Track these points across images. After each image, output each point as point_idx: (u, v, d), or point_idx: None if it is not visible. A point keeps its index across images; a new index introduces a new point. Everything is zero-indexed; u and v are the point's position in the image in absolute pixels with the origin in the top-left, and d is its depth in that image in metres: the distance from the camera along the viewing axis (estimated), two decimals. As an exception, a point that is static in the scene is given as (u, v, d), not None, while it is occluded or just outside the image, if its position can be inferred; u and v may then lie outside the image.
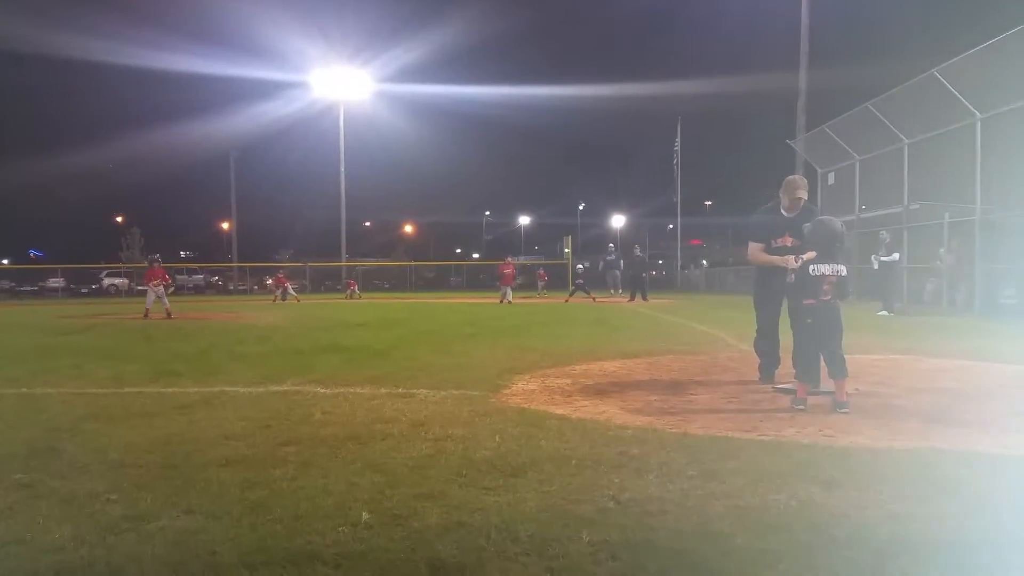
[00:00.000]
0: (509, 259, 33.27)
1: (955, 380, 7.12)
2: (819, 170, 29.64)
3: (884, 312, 17.01)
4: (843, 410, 5.48)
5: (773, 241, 6.60)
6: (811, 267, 5.75)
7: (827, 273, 5.69)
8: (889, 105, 22.38)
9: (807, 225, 6.08)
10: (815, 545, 2.83)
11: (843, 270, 5.73)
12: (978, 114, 18.39)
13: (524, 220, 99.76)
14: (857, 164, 26.06)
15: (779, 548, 2.79)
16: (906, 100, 21.47)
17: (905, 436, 4.72)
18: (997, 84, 17.42)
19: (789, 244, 6.49)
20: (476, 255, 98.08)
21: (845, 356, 5.71)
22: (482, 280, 60.01)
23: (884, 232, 18.89)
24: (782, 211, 6.64)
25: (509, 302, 25.75)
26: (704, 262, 69.64)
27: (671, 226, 75.37)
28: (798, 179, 6.70)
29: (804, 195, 6.56)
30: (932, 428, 4.97)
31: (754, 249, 6.73)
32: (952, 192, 19.66)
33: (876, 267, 18.16)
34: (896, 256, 18.93)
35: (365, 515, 3.17)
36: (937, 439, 4.61)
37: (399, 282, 61.34)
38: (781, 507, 3.27)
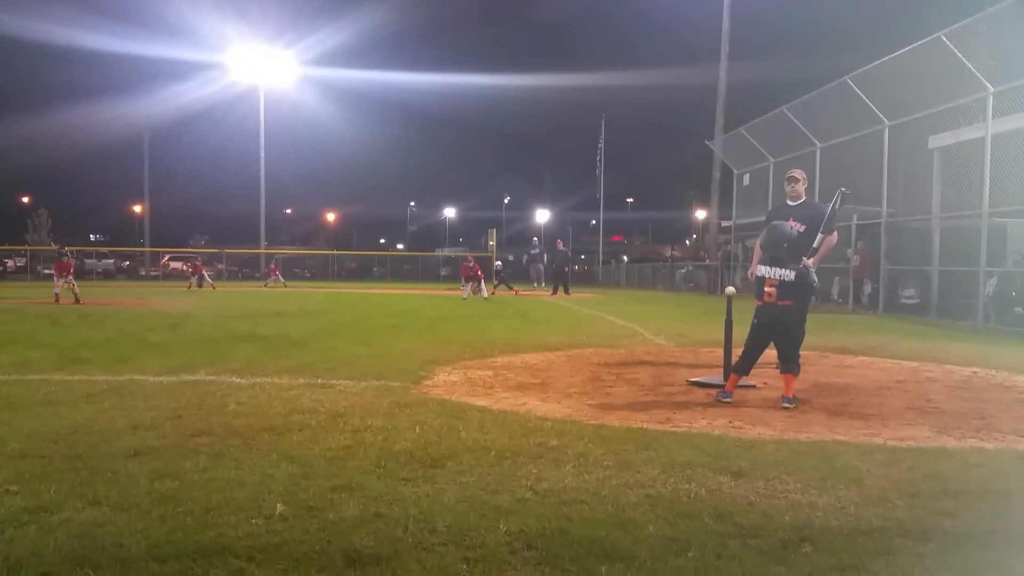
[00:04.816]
0: (471, 258, 26.99)
1: (857, 376, 7.46)
2: (735, 171, 30.40)
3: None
4: (787, 405, 5.56)
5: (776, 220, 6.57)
6: (757, 267, 5.91)
7: (766, 275, 5.79)
8: (803, 110, 23.11)
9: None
10: (723, 533, 2.94)
11: (789, 275, 5.66)
12: (887, 121, 19.18)
13: (449, 212, 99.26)
14: (771, 166, 26.81)
15: (689, 536, 2.89)
16: (819, 105, 22.21)
17: (810, 428, 4.93)
18: (904, 93, 18.21)
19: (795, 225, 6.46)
20: (400, 246, 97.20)
21: (799, 359, 5.75)
22: (406, 271, 59.49)
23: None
24: (787, 201, 6.87)
25: (484, 296, 23.60)
26: (624, 258, 70.65)
27: (593, 222, 76.25)
28: (802, 180, 7.01)
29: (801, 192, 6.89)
30: (835, 421, 5.20)
31: (756, 249, 6.78)
32: (860, 195, 20.46)
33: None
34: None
35: (280, 507, 3.13)
36: (840, 431, 4.84)
37: (321, 271, 60.17)
38: (691, 496, 3.38)
